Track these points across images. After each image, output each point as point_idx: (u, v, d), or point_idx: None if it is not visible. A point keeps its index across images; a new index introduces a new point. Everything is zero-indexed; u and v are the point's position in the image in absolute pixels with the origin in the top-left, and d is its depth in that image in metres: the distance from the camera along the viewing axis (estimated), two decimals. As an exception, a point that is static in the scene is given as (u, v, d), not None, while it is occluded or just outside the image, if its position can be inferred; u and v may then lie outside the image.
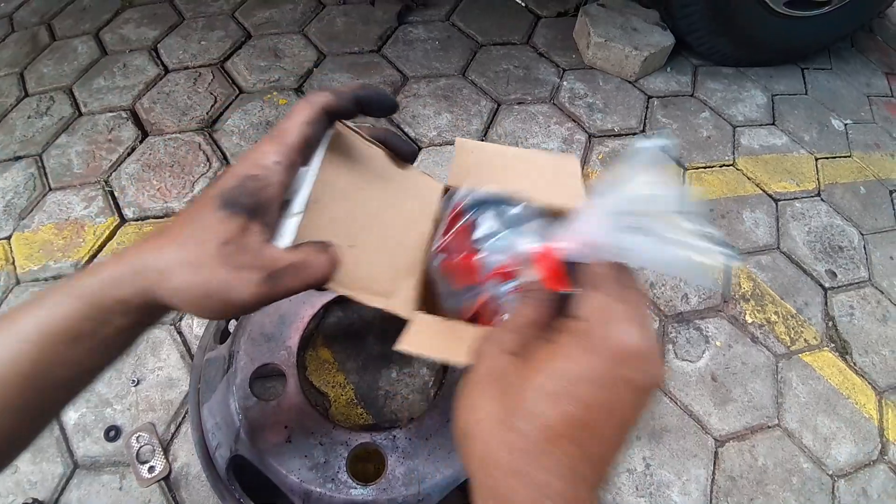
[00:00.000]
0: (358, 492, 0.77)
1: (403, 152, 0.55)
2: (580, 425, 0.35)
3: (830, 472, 1.22)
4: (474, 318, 0.49)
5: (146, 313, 0.40)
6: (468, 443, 0.37)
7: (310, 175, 0.43)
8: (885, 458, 1.26)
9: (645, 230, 0.36)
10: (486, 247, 0.48)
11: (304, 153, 0.42)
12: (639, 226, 0.36)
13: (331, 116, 0.45)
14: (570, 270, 0.40)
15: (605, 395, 0.35)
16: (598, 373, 0.35)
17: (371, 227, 0.50)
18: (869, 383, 1.36)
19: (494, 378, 0.37)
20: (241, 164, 0.41)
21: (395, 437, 0.81)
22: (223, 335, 0.97)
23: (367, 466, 1.06)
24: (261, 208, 0.40)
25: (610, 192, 0.37)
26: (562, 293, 0.41)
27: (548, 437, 0.34)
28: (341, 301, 1.28)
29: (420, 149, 1.63)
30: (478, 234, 0.49)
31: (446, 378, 0.88)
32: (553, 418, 0.34)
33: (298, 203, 0.43)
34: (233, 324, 0.96)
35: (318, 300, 0.93)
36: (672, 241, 0.35)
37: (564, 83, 1.89)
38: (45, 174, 1.51)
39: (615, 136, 1.75)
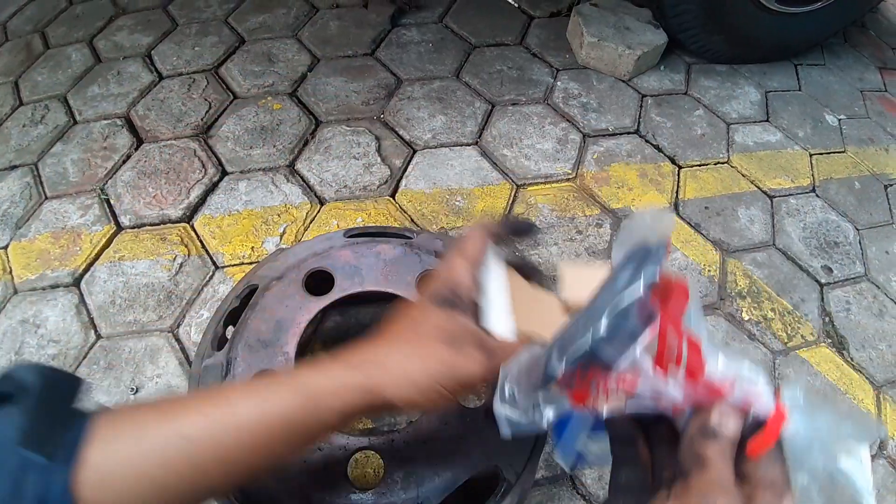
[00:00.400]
0: (357, 497, 0.77)
1: (531, 274, 0.65)
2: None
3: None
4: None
5: (361, 411, 0.45)
6: None
7: (497, 276, 0.54)
8: (884, 452, 1.27)
9: None
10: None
11: (478, 264, 0.53)
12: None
13: (493, 238, 0.56)
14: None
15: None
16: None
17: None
18: (866, 378, 1.37)
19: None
20: (440, 274, 0.53)
21: (393, 441, 0.81)
22: (220, 342, 0.97)
23: (365, 471, 1.06)
24: (459, 300, 0.50)
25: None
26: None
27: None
28: (338, 306, 1.28)
29: (415, 152, 1.64)
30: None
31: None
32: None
33: (498, 296, 0.53)
34: (230, 330, 0.96)
35: (315, 305, 0.93)
36: None
37: (558, 83, 1.89)
38: (41, 183, 1.51)
39: (610, 135, 1.76)
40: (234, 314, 0.97)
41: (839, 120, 1.99)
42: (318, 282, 0.96)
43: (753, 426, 0.38)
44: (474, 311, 0.51)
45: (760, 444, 0.37)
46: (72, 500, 0.35)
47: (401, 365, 0.46)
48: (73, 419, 0.39)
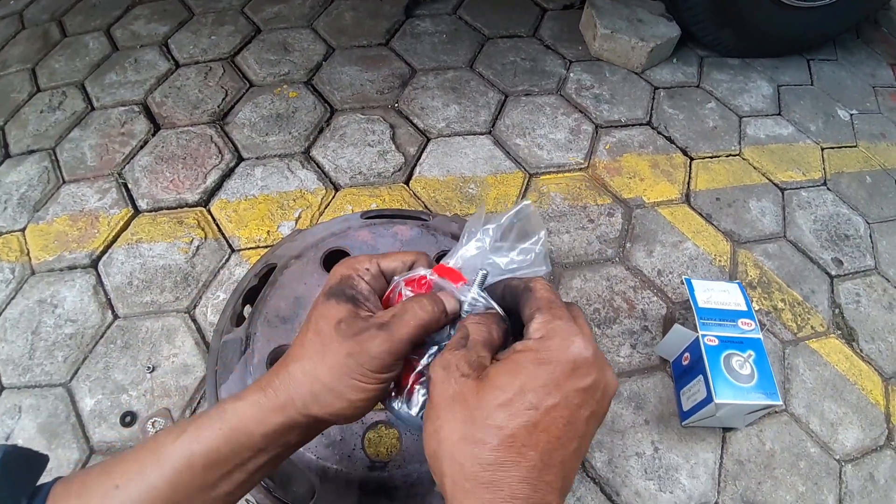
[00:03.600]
0: (374, 469, 0.78)
1: None
2: (539, 431, 0.38)
3: (837, 457, 1.22)
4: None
5: (288, 430, 0.45)
6: (438, 464, 0.40)
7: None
8: (892, 443, 1.27)
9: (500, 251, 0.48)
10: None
11: (385, 269, 0.51)
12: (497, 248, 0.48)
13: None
14: (515, 299, 0.46)
15: (558, 401, 0.39)
16: (550, 381, 0.39)
17: None
18: (875, 370, 1.37)
19: (453, 400, 0.40)
20: (338, 267, 0.50)
21: (409, 414, 0.83)
22: (239, 319, 0.99)
23: (378, 450, 1.07)
24: (361, 296, 0.48)
25: (482, 230, 0.49)
26: (502, 316, 0.47)
27: (511, 446, 0.37)
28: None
29: (429, 140, 1.65)
30: None
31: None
32: (513, 427, 0.38)
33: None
34: (247, 309, 0.97)
35: (332, 284, 0.95)
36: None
37: (571, 75, 1.90)
38: (59, 167, 1.53)
39: (622, 126, 1.77)
40: (253, 292, 0.98)
41: (851, 115, 1.99)
42: (337, 261, 0.97)
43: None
44: (374, 301, 0.49)
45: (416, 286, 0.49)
46: None
47: (309, 373, 0.44)
48: (33, 492, 0.44)
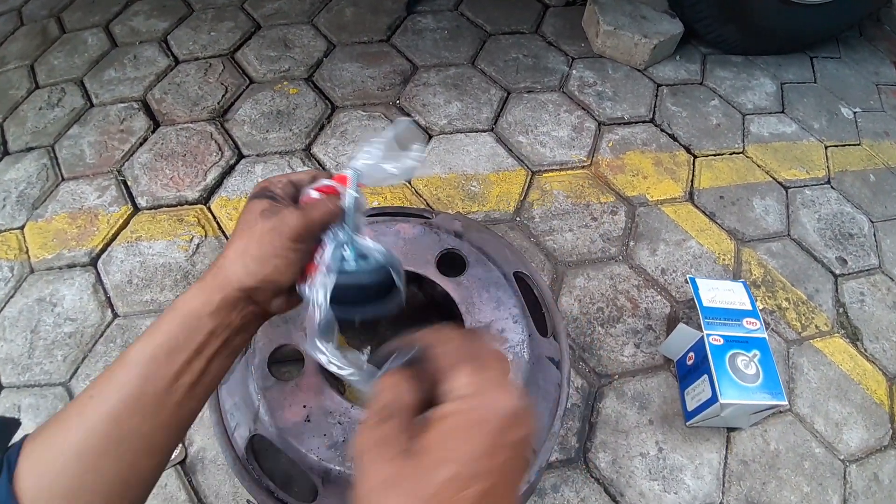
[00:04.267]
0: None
1: None
2: (495, 494, 0.36)
3: (842, 458, 1.22)
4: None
5: (230, 307, 0.52)
6: None
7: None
8: (896, 443, 1.27)
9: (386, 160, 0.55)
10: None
11: (294, 181, 0.59)
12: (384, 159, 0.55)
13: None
14: (422, 365, 0.44)
15: (499, 461, 0.36)
16: (488, 444, 0.36)
17: None
18: (880, 369, 1.36)
19: (389, 483, 0.36)
20: (257, 184, 0.59)
21: (413, 416, 0.82)
22: (240, 318, 0.98)
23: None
24: (278, 196, 0.56)
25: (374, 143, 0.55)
26: (417, 368, 0.44)
27: None
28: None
29: (431, 137, 1.64)
30: None
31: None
32: (469, 499, 0.35)
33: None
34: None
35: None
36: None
37: (574, 72, 1.89)
38: (58, 164, 1.52)
39: (625, 123, 1.76)
40: (254, 291, 0.97)
41: (854, 113, 1.98)
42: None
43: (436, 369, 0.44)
44: (288, 202, 0.56)
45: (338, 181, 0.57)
46: (15, 498, 0.44)
47: (239, 250, 0.52)
48: (5, 452, 0.48)
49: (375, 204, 1.46)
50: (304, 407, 0.81)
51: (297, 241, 0.52)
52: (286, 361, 0.99)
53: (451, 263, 0.98)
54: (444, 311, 1.15)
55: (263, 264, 0.52)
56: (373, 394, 0.42)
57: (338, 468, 0.77)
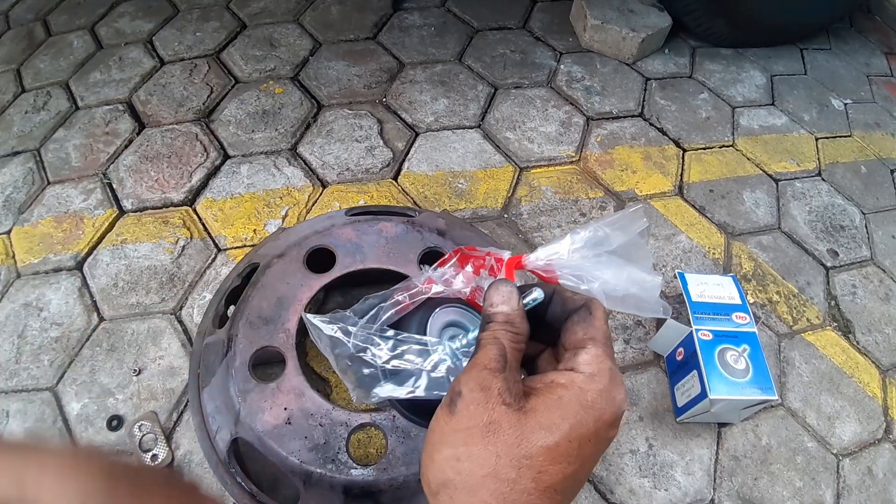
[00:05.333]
0: (358, 472, 0.77)
1: None
2: (573, 479, 0.37)
3: (835, 452, 1.21)
4: None
5: None
6: (450, 492, 0.36)
7: None
8: (891, 437, 1.26)
9: (605, 264, 0.45)
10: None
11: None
12: (599, 259, 0.45)
13: None
14: (565, 313, 0.43)
15: (591, 451, 0.37)
16: (596, 433, 0.37)
17: None
18: (872, 362, 1.36)
19: (487, 429, 0.36)
20: None
21: (394, 416, 0.81)
22: (222, 320, 0.97)
23: (368, 451, 1.06)
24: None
25: (582, 232, 0.45)
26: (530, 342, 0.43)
27: (543, 490, 0.35)
28: (341, 286, 1.28)
29: (418, 135, 1.63)
30: None
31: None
32: (554, 475, 0.35)
33: None
34: (232, 309, 0.96)
35: (316, 282, 0.93)
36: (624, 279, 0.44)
37: (562, 66, 1.88)
38: (44, 168, 1.51)
39: (613, 118, 1.75)
40: (236, 293, 0.96)
41: (845, 104, 1.97)
42: (320, 259, 0.95)
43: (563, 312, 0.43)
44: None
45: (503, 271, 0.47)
46: None
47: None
48: None
49: (362, 202, 1.45)
50: (285, 409, 0.81)
51: None
52: (270, 362, 0.98)
53: (434, 261, 0.97)
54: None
55: None
56: (492, 317, 0.41)
57: (319, 471, 0.77)
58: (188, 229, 1.39)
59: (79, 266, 1.33)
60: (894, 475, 1.21)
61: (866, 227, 1.62)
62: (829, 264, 1.51)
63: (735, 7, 1.87)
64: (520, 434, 0.35)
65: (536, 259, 0.47)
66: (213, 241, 1.37)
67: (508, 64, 1.86)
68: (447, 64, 1.83)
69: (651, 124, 1.75)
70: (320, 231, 0.99)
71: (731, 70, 1.98)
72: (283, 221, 1.41)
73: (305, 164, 1.53)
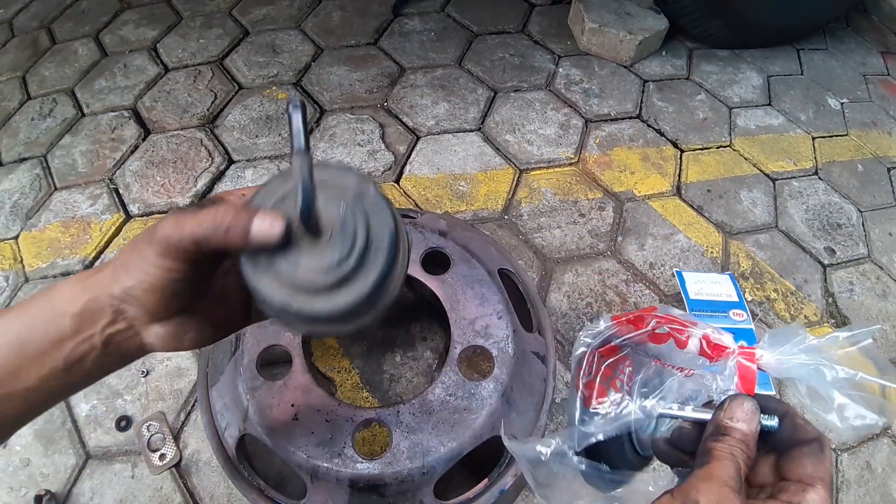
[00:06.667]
0: (364, 466, 0.78)
1: None
2: None
3: (833, 447, 1.23)
4: None
5: (97, 318, 0.45)
6: None
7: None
8: (889, 431, 1.27)
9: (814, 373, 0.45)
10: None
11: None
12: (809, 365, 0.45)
13: None
14: (786, 447, 0.42)
15: None
16: None
17: None
18: (870, 359, 1.37)
19: None
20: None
21: (399, 412, 0.83)
22: (229, 321, 0.99)
23: (373, 448, 1.08)
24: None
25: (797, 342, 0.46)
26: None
27: None
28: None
29: (419, 138, 1.65)
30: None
31: (448, 355, 0.89)
32: None
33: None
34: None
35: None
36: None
37: (560, 70, 1.90)
38: (51, 174, 1.54)
39: (612, 120, 1.77)
40: (243, 293, 0.99)
41: (842, 103, 1.99)
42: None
43: (791, 438, 0.42)
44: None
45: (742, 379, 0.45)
46: None
47: (117, 257, 0.45)
48: None
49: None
50: (292, 406, 0.83)
51: (162, 255, 0.42)
52: (277, 363, 1.00)
53: (436, 262, 0.99)
54: (433, 309, 1.17)
55: (128, 273, 0.44)
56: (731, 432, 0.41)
57: (325, 465, 0.78)
58: (194, 233, 1.41)
59: (86, 270, 1.35)
60: (893, 469, 1.22)
61: (863, 224, 1.63)
62: (826, 262, 1.53)
63: (731, 9, 1.89)
64: None
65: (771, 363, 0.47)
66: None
67: (508, 67, 1.88)
68: (447, 68, 1.86)
69: (649, 126, 1.77)
70: (324, 233, 1.01)
71: (728, 71, 2.00)
72: (287, 224, 1.43)
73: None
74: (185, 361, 1.21)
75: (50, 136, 1.62)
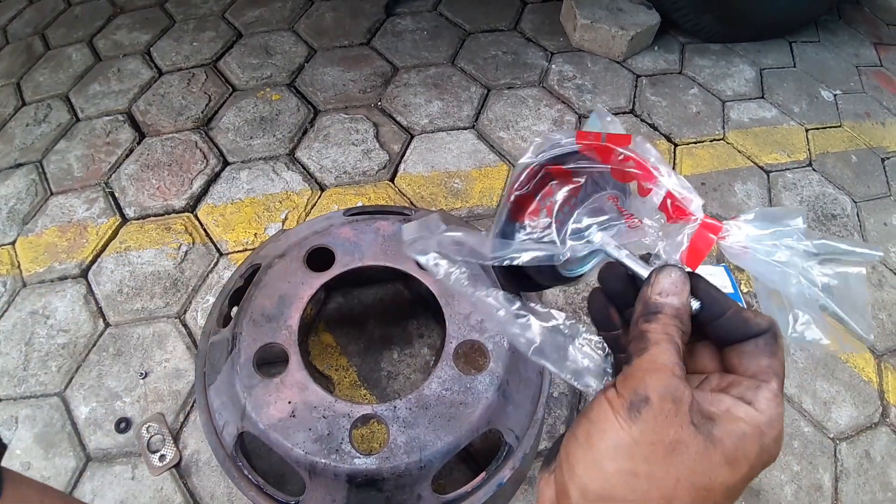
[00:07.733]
0: (361, 461, 0.79)
1: None
2: None
3: (832, 436, 1.23)
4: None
5: None
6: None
7: None
8: (887, 420, 1.27)
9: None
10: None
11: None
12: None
13: None
14: (742, 334, 0.39)
15: (742, 488, 0.36)
16: (756, 472, 0.36)
17: None
18: (868, 347, 1.37)
19: (671, 448, 0.34)
20: None
21: (395, 407, 0.83)
22: (226, 320, 1.00)
23: (371, 446, 1.08)
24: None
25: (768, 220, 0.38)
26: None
27: None
28: (341, 287, 1.31)
29: (413, 137, 1.66)
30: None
31: (444, 350, 0.89)
32: None
33: None
34: (235, 310, 0.98)
35: (317, 281, 0.95)
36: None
37: (553, 66, 1.91)
38: (47, 179, 1.54)
39: (605, 115, 1.77)
40: (239, 293, 0.99)
41: (835, 95, 1.99)
42: (320, 258, 0.98)
43: (741, 330, 0.38)
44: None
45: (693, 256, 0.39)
46: None
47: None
48: None
49: (359, 204, 1.47)
50: (289, 403, 0.83)
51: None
52: (274, 362, 1.00)
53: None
54: (430, 307, 1.17)
55: None
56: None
57: (323, 461, 0.79)
58: (190, 235, 1.41)
59: (84, 274, 1.36)
60: (892, 458, 1.22)
61: (858, 215, 1.64)
62: (821, 253, 1.53)
63: (723, 3, 1.89)
64: (704, 464, 0.34)
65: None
66: (215, 245, 1.40)
67: (501, 65, 1.88)
68: (440, 67, 1.86)
69: (642, 120, 1.77)
70: (319, 231, 1.02)
71: (721, 65, 2.01)
72: (283, 225, 1.43)
73: (303, 168, 1.56)
74: (182, 363, 1.22)
75: (45, 142, 1.63)
